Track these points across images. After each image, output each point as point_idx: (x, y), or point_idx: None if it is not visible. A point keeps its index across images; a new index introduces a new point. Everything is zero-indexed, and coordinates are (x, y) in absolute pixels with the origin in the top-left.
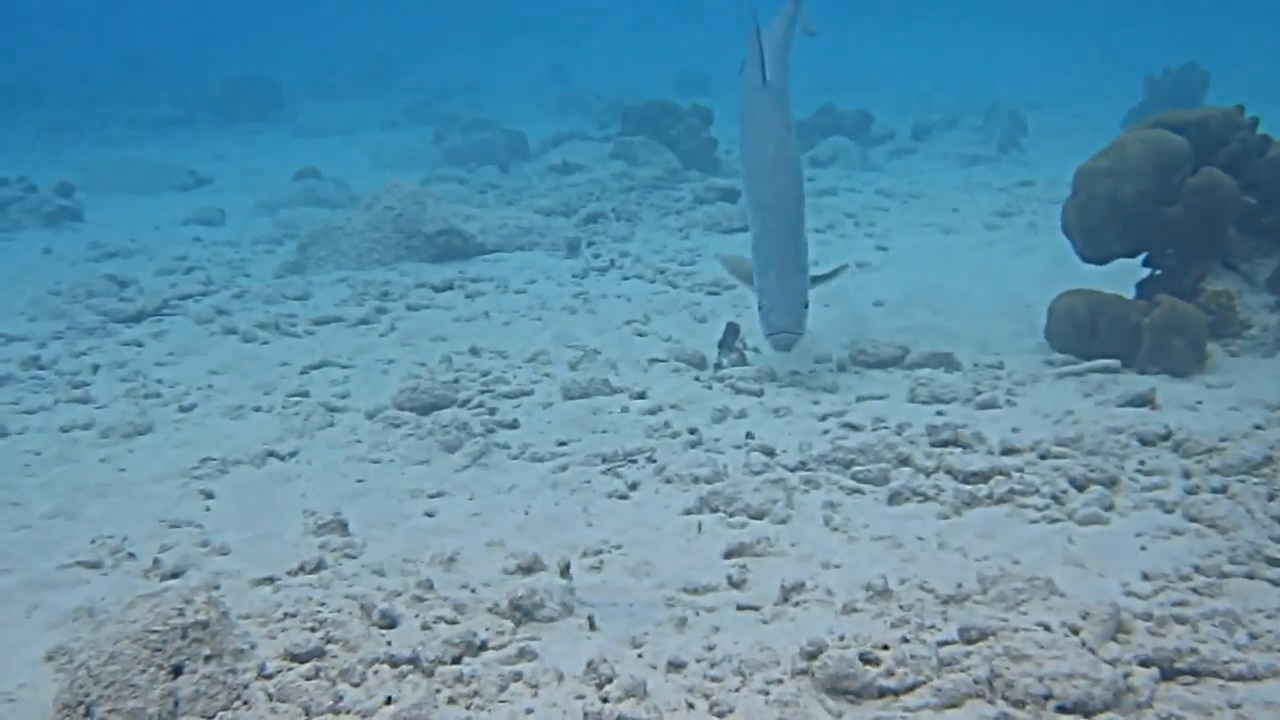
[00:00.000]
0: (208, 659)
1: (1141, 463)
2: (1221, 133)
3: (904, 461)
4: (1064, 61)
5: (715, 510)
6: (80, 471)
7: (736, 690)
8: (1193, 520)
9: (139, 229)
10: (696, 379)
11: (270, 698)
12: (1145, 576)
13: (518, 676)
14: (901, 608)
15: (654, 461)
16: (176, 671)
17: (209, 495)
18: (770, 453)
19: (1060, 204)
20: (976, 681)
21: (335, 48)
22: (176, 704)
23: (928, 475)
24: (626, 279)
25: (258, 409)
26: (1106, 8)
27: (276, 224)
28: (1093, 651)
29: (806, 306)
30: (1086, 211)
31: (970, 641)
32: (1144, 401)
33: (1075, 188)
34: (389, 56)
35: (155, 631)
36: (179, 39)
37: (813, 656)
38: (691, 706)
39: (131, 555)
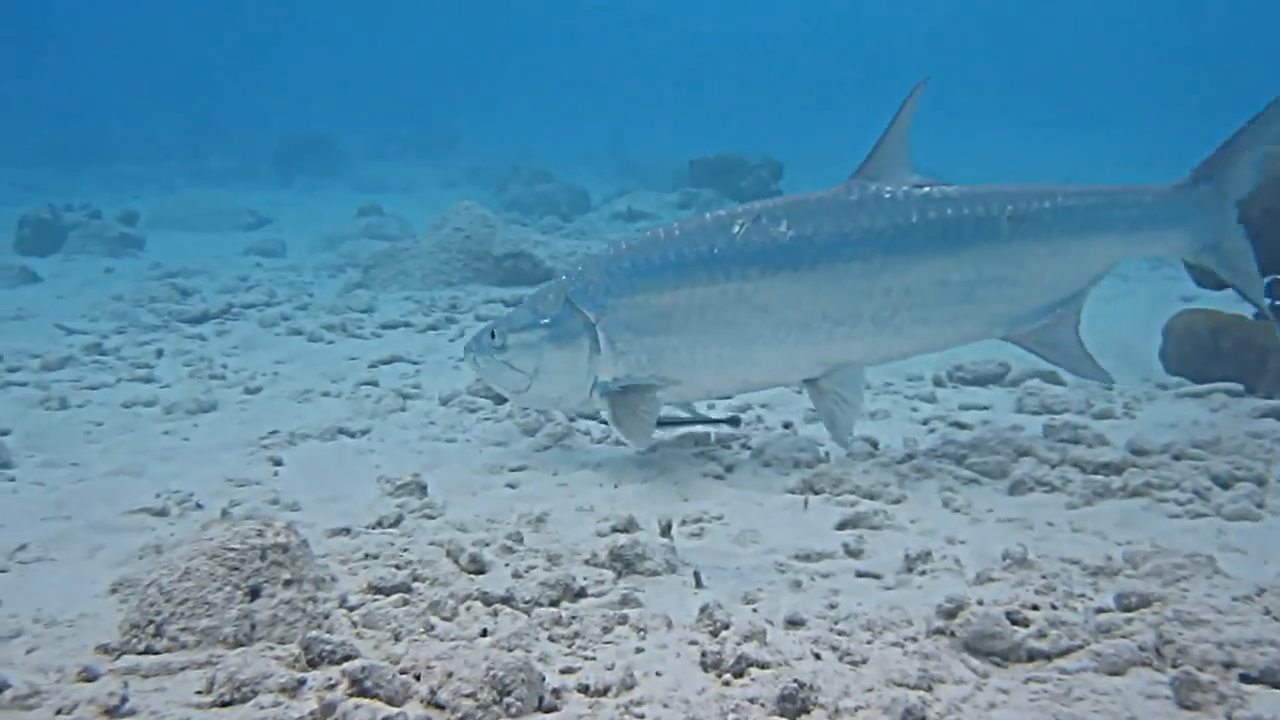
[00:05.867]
0: (287, 584)
1: None
2: None
3: (1024, 453)
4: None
5: (820, 492)
6: (143, 439)
7: (869, 644)
8: None
9: (201, 257)
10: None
11: (355, 625)
12: None
13: (623, 620)
14: (1044, 577)
15: (749, 448)
16: (254, 594)
17: (277, 463)
18: (874, 444)
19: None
20: (1142, 648)
21: (394, 114)
22: (254, 627)
23: (1052, 466)
24: None
25: (326, 394)
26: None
27: (339, 255)
28: (1277, 620)
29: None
30: None
31: (1129, 609)
32: None
33: None
34: (452, 124)
35: (233, 549)
36: (240, 100)
37: (951, 615)
38: (818, 657)
39: (199, 506)
